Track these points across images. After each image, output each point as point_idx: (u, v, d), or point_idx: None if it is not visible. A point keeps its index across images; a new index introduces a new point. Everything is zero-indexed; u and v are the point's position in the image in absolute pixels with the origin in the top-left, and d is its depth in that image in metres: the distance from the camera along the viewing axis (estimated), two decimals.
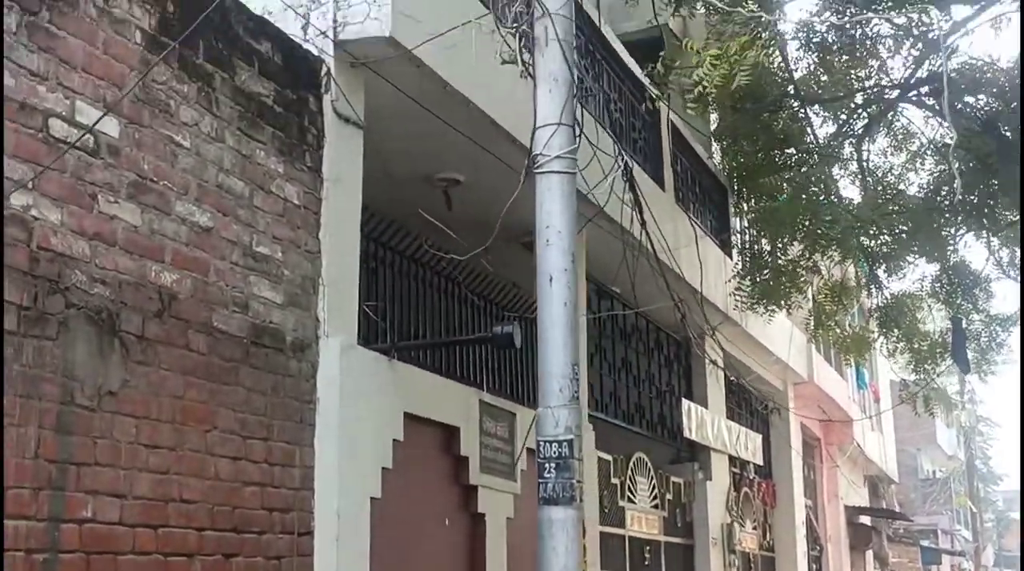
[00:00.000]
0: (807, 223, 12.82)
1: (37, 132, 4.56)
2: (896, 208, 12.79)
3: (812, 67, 12.80)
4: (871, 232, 12.81)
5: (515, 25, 5.69)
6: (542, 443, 5.36)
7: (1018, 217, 11.82)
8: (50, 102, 4.65)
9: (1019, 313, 9.92)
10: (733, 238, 15.77)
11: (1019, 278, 8.50)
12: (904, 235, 12.98)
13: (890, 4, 9.34)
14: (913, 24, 9.61)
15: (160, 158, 5.24)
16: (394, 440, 6.98)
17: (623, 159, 7.31)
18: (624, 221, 8.55)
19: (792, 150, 13.69)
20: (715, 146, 14.91)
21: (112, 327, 4.86)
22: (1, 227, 4.31)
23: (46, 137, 4.61)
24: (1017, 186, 10.48)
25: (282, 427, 5.95)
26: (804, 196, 12.88)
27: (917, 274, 15.90)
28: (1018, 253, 13.49)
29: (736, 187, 14.86)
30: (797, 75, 12.94)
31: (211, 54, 5.69)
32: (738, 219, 16.09)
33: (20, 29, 4.53)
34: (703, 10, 8.43)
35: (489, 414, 8.32)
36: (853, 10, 9.47)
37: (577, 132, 5.69)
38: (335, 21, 6.63)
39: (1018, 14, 8.85)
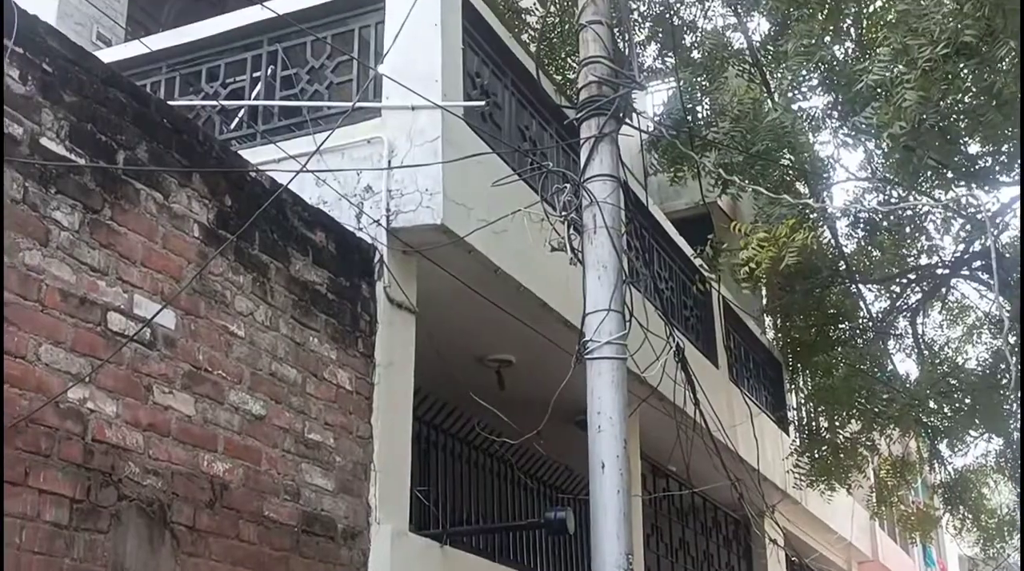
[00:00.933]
0: (863, 401, 12.68)
1: (95, 326, 4.65)
2: (955, 383, 12.62)
3: (862, 243, 12.86)
4: (930, 408, 12.63)
5: (564, 213, 5.79)
6: None
7: None
8: (109, 296, 4.75)
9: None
10: (789, 414, 15.60)
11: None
12: (964, 410, 12.77)
13: (935, 182, 9.43)
14: (960, 206, 9.68)
15: (215, 348, 5.31)
16: None
17: (674, 340, 7.30)
18: (678, 400, 8.49)
19: (846, 325, 13.65)
20: (767, 322, 14.90)
21: (163, 518, 4.85)
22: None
23: (104, 331, 4.69)
24: None
25: None
26: (860, 373, 12.76)
27: (980, 449, 15.59)
28: None
29: (790, 363, 14.78)
30: (847, 250, 13.00)
31: (267, 245, 5.82)
32: (793, 395, 15.94)
33: (83, 227, 4.66)
34: (751, 190, 8.55)
35: None
36: (900, 191, 9.56)
37: (627, 317, 5.71)
38: (388, 209, 6.77)
39: None
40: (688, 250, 11.74)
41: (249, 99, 7.60)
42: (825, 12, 8.00)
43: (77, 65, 4.81)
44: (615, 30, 6.60)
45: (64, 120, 4.66)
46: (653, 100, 16.45)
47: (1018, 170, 8.65)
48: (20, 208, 4.40)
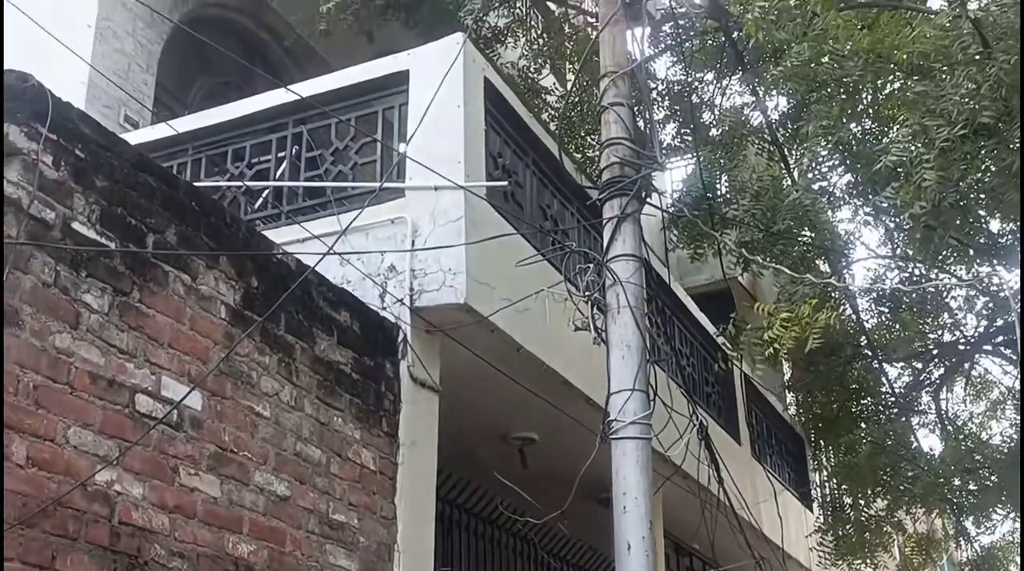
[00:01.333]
0: (888, 478, 12.59)
1: (123, 408, 4.68)
2: (979, 459, 12.53)
3: (884, 319, 12.85)
4: (954, 485, 12.53)
5: (587, 293, 5.82)
6: None
7: None
8: (137, 378, 4.79)
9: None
10: (813, 491, 15.47)
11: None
12: (990, 487, 12.66)
13: (957, 259, 9.45)
14: (983, 284, 9.70)
15: (241, 429, 5.33)
16: None
17: (698, 418, 7.28)
18: (701, 478, 8.45)
19: (868, 400, 13.59)
20: (789, 397, 14.85)
21: None
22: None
23: (132, 412, 4.72)
24: None
25: None
26: (884, 449, 12.69)
27: (1007, 526, 15.41)
28: None
29: (813, 439, 14.70)
30: (869, 325, 12.98)
31: (292, 325, 5.86)
32: (817, 472, 15.83)
33: (112, 309, 4.72)
34: (773, 269, 8.60)
35: None
36: (921, 268, 9.58)
37: (651, 397, 5.71)
38: (411, 289, 6.82)
39: None
40: (709, 326, 11.74)
41: (274, 179, 7.69)
42: (843, 94, 8.08)
43: (109, 150, 4.89)
44: (635, 109, 6.68)
45: (95, 204, 4.73)
46: (672, 176, 16.57)
47: None
48: (51, 291, 4.46)
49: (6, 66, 4.55)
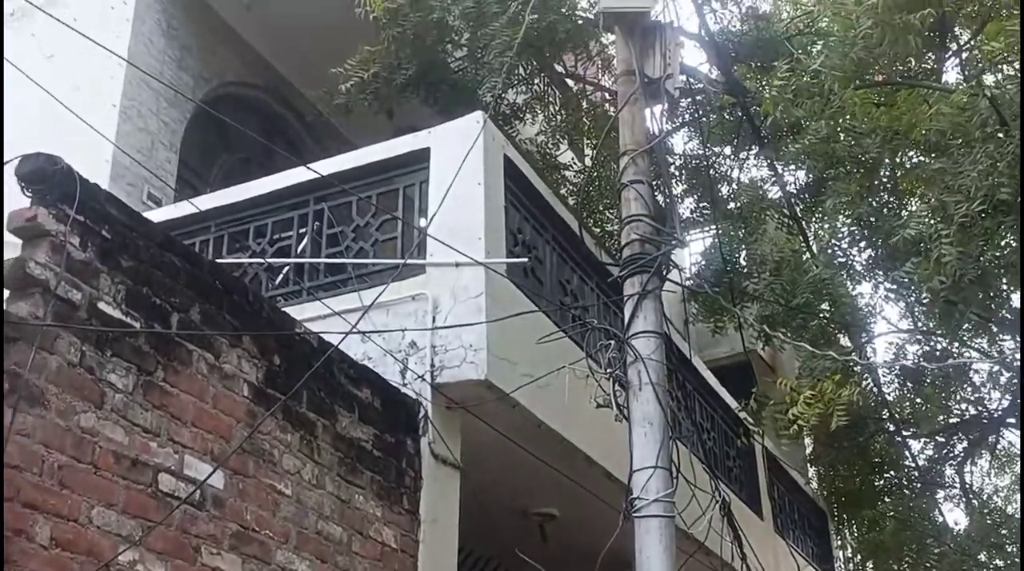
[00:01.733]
0: (914, 555, 12.47)
1: (147, 487, 4.69)
2: (1005, 533, 12.41)
3: (906, 393, 12.80)
4: (980, 561, 12.40)
5: (609, 371, 5.81)
6: None
7: None
8: (160, 457, 4.80)
9: (1018, 357, 9.41)
10: (837, 566, 15.29)
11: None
12: (1017, 560, 12.50)
13: (979, 333, 9.43)
14: (1007, 360, 9.68)
15: (262, 507, 5.32)
16: None
17: (720, 494, 7.24)
18: (724, 554, 8.37)
19: (891, 473, 13.50)
20: (811, 471, 14.73)
21: None
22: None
23: (155, 491, 4.72)
24: None
25: None
26: (908, 525, 12.58)
27: None
28: None
29: (836, 513, 14.56)
30: (891, 397, 12.92)
31: (314, 402, 5.87)
32: (841, 550, 15.65)
33: (136, 389, 4.74)
34: (794, 345, 8.59)
35: None
36: (943, 342, 9.56)
37: (674, 474, 5.68)
38: (432, 365, 6.81)
39: None
40: (730, 400, 11.69)
41: (295, 256, 7.74)
42: (861, 171, 8.13)
43: (134, 231, 4.95)
44: (654, 185, 6.71)
45: (121, 284, 4.77)
46: (691, 249, 16.61)
47: None
48: (77, 371, 4.48)
49: (34, 148, 4.63)
